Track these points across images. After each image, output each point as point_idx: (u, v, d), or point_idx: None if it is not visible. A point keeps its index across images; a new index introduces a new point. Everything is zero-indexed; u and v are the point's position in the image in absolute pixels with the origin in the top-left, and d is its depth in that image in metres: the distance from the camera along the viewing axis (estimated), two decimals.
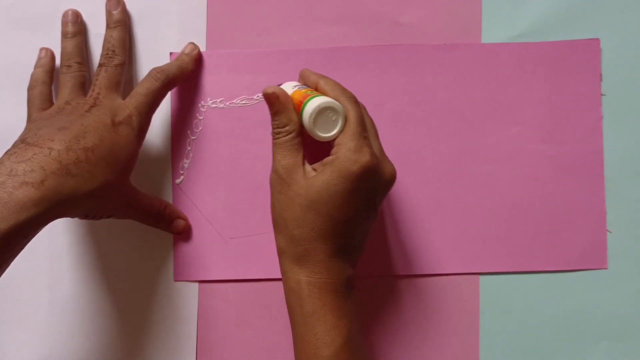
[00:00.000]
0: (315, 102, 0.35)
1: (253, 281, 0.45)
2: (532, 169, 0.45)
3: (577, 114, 0.45)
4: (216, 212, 0.45)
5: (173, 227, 0.44)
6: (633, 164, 0.45)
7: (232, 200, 0.45)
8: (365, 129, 0.36)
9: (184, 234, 0.45)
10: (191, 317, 0.45)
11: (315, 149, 0.38)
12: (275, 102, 0.36)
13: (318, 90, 0.38)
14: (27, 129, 0.38)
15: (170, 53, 0.45)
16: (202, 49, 0.45)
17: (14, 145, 0.36)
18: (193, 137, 0.45)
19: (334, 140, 0.36)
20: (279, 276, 0.44)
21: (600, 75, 0.45)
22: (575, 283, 0.45)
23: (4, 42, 0.45)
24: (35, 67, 0.43)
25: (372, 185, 0.35)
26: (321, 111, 0.35)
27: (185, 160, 0.45)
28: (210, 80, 0.45)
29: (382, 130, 0.44)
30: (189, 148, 0.45)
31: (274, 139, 0.37)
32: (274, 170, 0.37)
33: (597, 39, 0.45)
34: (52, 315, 0.45)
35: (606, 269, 0.45)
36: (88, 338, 0.45)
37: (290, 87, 0.39)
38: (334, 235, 0.35)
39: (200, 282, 0.45)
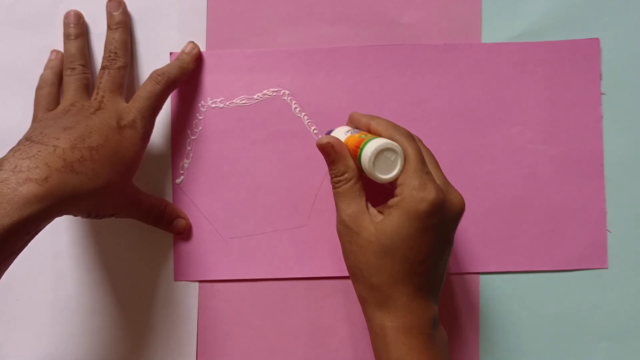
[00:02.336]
0: (373, 145, 0.34)
1: (253, 281, 0.45)
2: (532, 168, 0.45)
3: (577, 114, 0.45)
4: (216, 212, 0.45)
5: (173, 227, 0.44)
6: (633, 163, 0.45)
7: (232, 200, 0.45)
8: (425, 163, 0.35)
9: (184, 233, 0.45)
10: (191, 316, 0.45)
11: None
12: (330, 151, 0.36)
13: (370, 132, 0.37)
14: (32, 128, 0.38)
15: (171, 53, 0.45)
16: (202, 49, 0.45)
17: (19, 143, 0.36)
18: (193, 137, 0.45)
19: (395, 180, 0.35)
20: (279, 276, 0.44)
21: (600, 74, 0.45)
22: (575, 283, 0.45)
23: (4, 42, 0.46)
24: (45, 68, 0.44)
25: (442, 219, 0.34)
26: (380, 153, 0.34)
27: (185, 160, 0.45)
28: (210, 80, 0.45)
29: None
30: (189, 148, 0.45)
31: (334, 188, 0.37)
32: (340, 221, 0.36)
33: (597, 39, 0.45)
34: (52, 314, 0.45)
35: (606, 268, 0.45)
36: (88, 338, 0.45)
37: (342, 133, 0.39)
38: (413, 276, 0.34)
39: (201, 281, 0.45)
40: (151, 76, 0.41)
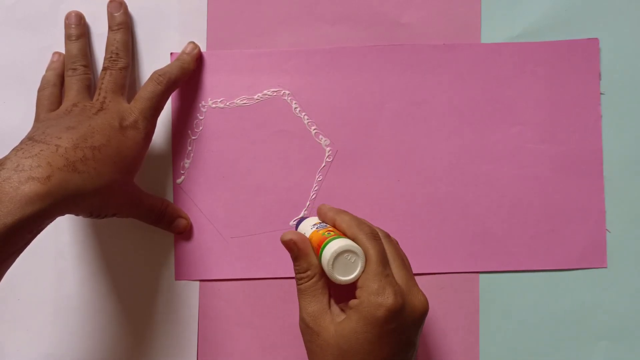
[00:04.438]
0: (332, 247, 0.34)
1: (254, 280, 0.45)
2: (531, 168, 0.45)
3: (577, 114, 0.45)
4: (217, 212, 0.45)
5: (174, 227, 0.44)
6: (632, 163, 0.45)
7: (232, 200, 0.45)
8: (387, 265, 0.34)
9: (185, 233, 0.45)
10: (192, 316, 0.45)
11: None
12: (293, 248, 0.36)
13: (335, 227, 0.37)
14: (35, 128, 0.38)
15: (171, 53, 0.45)
16: (203, 49, 0.45)
17: (21, 142, 0.36)
18: (194, 137, 0.45)
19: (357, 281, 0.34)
20: (280, 275, 0.45)
21: (600, 74, 0.45)
22: (575, 282, 0.45)
23: (5, 42, 0.46)
24: (47, 69, 0.44)
25: (402, 324, 0.33)
26: (339, 255, 0.34)
27: (186, 160, 0.45)
28: (210, 80, 0.45)
29: (382, 130, 0.45)
30: (189, 148, 0.45)
31: (297, 284, 0.36)
32: (301, 319, 0.35)
33: (596, 39, 0.45)
34: (53, 314, 0.45)
35: (605, 268, 0.45)
36: (89, 337, 0.45)
37: (309, 227, 0.38)
38: None
39: (201, 281, 0.45)
40: (152, 77, 0.42)
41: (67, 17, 0.44)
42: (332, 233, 0.36)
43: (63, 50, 0.44)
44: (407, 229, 0.45)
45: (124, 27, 0.43)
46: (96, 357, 0.45)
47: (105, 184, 0.36)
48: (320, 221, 0.39)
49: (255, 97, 0.45)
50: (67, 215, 0.39)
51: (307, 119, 0.45)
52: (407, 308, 0.33)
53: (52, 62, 0.44)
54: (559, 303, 0.45)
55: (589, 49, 0.45)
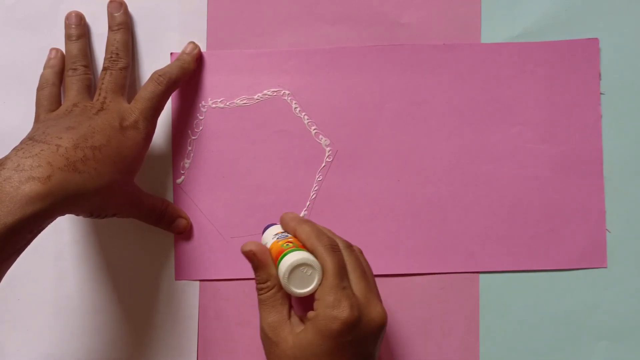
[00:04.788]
0: (287, 261, 0.34)
1: (254, 280, 0.45)
2: (531, 168, 0.45)
3: (577, 114, 0.45)
4: (217, 212, 0.45)
5: (174, 227, 0.44)
6: (632, 163, 0.45)
7: (232, 200, 0.45)
8: (344, 277, 0.34)
9: (185, 233, 0.45)
10: (192, 316, 0.45)
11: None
12: (253, 259, 0.36)
13: (296, 238, 0.37)
14: (35, 128, 0.38)
15: (171, 53, 0.45)
16: (203, 49, 0.45)
17: (22, 142, 0.36)
18: (194, 137, 0.45)
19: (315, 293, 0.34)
20: None
21: (600, 74, 0.45)
22: (575, 282, 0.45)
23: (5, 42, 0.46)
24: (45, 67, 0.44)
25: (358, 336, 0.33)
26: (295, 268, 0.34)
27: (186, 160, 0.45)
28: (210, 80, 0.45)
29: (382, 130, 0.45)
30: (189, 148, 0.45)
31: (257, 295, 0.36)
32: (261, 328, 0.36)
33: (596, 39, 0.45)
34: (53, 314, 0.45)
35: (605, 268, 0.45)
36: (90, 337, 0.45)
37: (271, 236, 0.38)
38: None
39: (201, 281, 0.45)
40: (152, 77, 0.42)
41: (67, 17, 0.44)
42: (290, 245, 0.36)
43: (63, 50, 0.44)
44: (407, 229, 0.45)
45: (124, 27, 0.43)
46: (96, 357, 0.45)
47: (106, 184, 0.36)
48: (282, 230, 0.39)
49: (255, 97, 0.45)
50: (67, 215, 0.39)
51: (307, 119, 0.45)
52: (363, 320, 0.33)
53: (49, 59, 0.44)
54: (559, 303, 0.45)
55: (589, 49, 0.45)
